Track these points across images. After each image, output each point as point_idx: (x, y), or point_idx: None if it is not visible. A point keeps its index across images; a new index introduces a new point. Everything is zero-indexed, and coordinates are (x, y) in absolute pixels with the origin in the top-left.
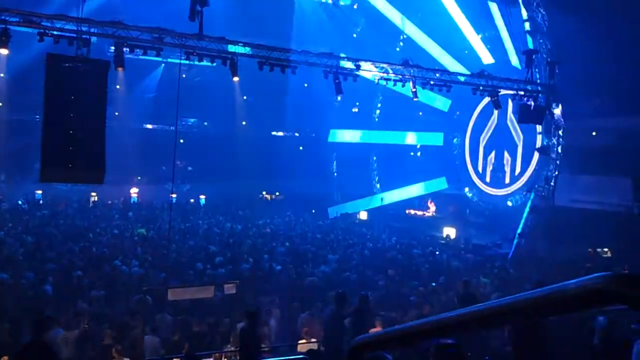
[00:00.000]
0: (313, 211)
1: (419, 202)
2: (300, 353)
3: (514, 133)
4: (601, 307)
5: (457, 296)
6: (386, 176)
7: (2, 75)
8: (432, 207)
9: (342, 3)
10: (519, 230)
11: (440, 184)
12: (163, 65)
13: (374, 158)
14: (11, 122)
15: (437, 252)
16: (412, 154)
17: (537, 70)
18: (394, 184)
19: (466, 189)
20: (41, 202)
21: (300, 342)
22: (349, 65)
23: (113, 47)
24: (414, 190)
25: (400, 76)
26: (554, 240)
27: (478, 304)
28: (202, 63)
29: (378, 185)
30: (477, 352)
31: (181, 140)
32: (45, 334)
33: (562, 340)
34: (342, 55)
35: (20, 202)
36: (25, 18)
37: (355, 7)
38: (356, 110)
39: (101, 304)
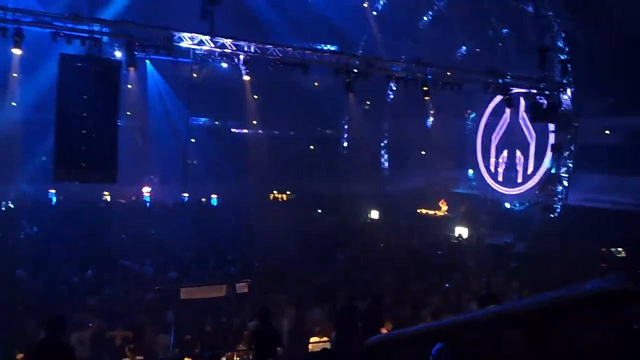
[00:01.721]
0: (319, 211)
1: (431, 200)
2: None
3: (526, 132)
4: (620, 306)
5: (478, 297)
6: (397, 174)
7: (15, 75)
8: (444, 207)
9: None
10: (532, 230)
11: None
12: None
13: (385, 157)
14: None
15: (440, 252)
16: (423, 153)
17: (549, 68)
18: (405, 182)
19: (477, 187)
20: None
21: (312, 340)
22: (360, 63)
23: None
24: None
25: (411, 74)
26: (567, 240)
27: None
28: (213, 62)
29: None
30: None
31: (192, 140)
32: (60, 332)
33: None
34: (353, 53)
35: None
36: (37, 18)
37: (365, 5)
38: (367, 108)
39: (113, 303)
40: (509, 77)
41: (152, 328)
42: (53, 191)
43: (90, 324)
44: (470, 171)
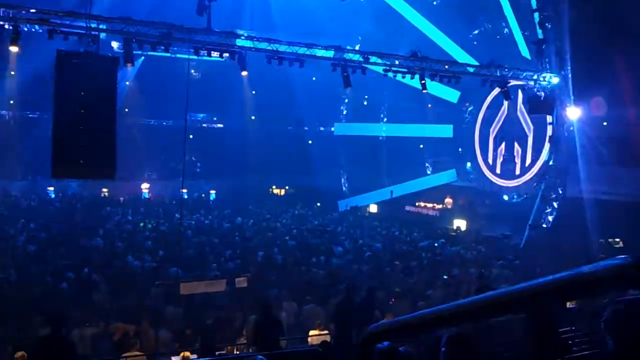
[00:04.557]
0: (318, 204)
1: (433, 195)
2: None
3: (524, 124)
4: (621, 290)
5: (476, 288)
6: (395, 169)
7: (13, 73)
8: (449, 200)
9: None
10: (529, 222)
11: (449, 176)
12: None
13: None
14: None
15: (436, 244)
16: (421, 146)
17: (547, 60)
18: (404, 176)
19: (475, 179)
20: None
21: (311, 334)
22: (357, 58)
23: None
24: (424, 182)
25: (408, 68)
26: (565, 231)
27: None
28: (210, 58)
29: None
30: (491, 343)
31: (190, 136)
32: (63, 329)
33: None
34: (350, 48)
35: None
36: (35, 15)
37: None
38: (365, 103)
39: (113, 299)
40: (506, 69)
41: (152, 323)
42: (51, 188)
43: (99, 324)
44: (469, 164)
